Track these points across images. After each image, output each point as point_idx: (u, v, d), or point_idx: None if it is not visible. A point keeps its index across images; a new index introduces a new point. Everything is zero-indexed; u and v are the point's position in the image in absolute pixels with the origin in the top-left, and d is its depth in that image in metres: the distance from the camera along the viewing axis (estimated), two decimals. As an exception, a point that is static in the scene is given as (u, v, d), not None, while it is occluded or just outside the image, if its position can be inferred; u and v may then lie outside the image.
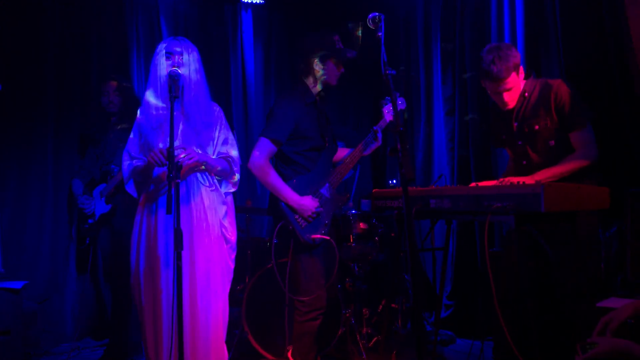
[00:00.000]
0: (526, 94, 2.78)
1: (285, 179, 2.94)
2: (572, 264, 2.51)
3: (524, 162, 2.82)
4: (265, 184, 2.92)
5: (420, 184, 4.71)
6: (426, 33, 4.82)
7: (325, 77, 3.03)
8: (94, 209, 3.77)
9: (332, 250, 3.04)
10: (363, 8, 4.96)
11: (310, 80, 3.05)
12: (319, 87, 3.05)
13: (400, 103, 3.17)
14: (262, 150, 2.90)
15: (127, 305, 3.73)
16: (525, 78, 2.81)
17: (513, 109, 2.81)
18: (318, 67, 3.00)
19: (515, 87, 2.75)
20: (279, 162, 3.03)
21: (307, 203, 2.90)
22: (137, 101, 3.95)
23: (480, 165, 4.21)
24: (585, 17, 3.34)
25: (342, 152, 3.21)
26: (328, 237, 2.97)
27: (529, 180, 2.49)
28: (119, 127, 3.85)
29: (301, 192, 2.93)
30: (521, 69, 2.75)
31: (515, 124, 2.82)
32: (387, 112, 3.16)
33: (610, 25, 3.17)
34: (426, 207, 2.57)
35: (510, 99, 2.77)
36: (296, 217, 2.90)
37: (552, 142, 2.70)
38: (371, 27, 2.24)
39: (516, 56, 2.70)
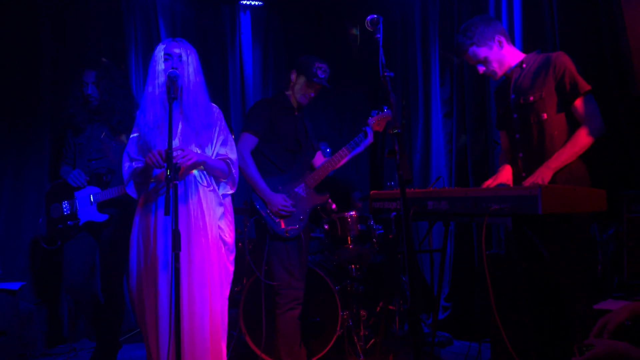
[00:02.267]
0: (524, 65, 2.78)
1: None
2: (569, 265, 2.51)
3: (517, 136, 2.78)
4: (245, 175, 3.20)
5: (418, 185, 4.71)
6: (424, 34, 4.83)
7: (295, 89, 3.36)
8: (79, 217, 3.42)
9: (306, 246, 3.33)
10: (360, 10, 5.01)
11: (290, 92, 3.39)
12: (296, 100, 3.38)
13: (386, 115, 3.50)
14: (244, 143, 3.22)
15: (118, 312, 3.56)
16: (528, 52, 2.85)
17: (511, 81, 2.81)
18: (293, 77, 3.37)
19: (491, 58, 2.80)
20: (256, 160, 3.28)
21: (277, 199, 3.19)
22: (123, 88, 3.62)
23: (478, 167, 4.22)
24: (582, 18, 3.35)
25: (321, 159, 3.51)
26: (297, 227, 3.22)
27: (543, 169, 2.51)
28: (109, 123, 3.50)
29: (273, 189, 3.22)
30: (500, 40, 2.78)
31: (512, 96, 2.80)
32: (371, 124, 3.47)
33: (607, 26, 3.18)
34: (424, 208, 2.58)
35: (489, 70, 2.83)
36: (268, 211, 3.18)
37: (545, 115, 2.65)
38: (369, 29, 2.24)
39: (484, 32, 2.76)
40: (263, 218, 3.18)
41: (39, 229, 3.55)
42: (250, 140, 3.23)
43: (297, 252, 3.25)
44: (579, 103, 2.59)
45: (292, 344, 3.19)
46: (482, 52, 2.79)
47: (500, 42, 2.79)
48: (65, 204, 3.45)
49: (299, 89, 3.35)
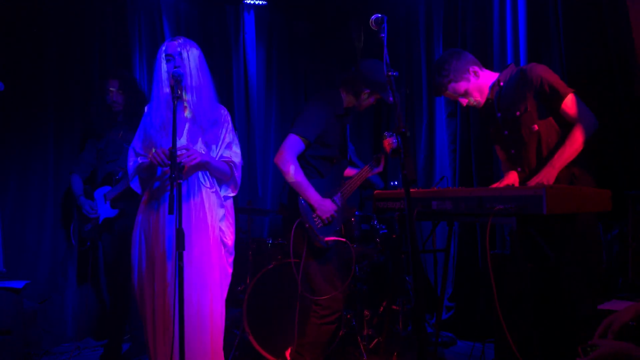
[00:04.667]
0: (501, 83, 2.80)
1: None
2: (574, 266, 2.50)
3: (513, 151, 2.80)
4: (290, 179, 2.95)
5: (422, 185, 4.71)
6: (428, 34, 4.82)
7: (363, 104, 3.14)
8: (97, 215, 3.71)
9: (347, 253, 3.10)
10: (364, 9, 5.00)
11: (348, 98, 3.13)
12: (351, 105, 3.15)
13: (395, 141, 3.29)
14: (291, 147, 2.94)
15: (126, 307, 3.72)
16: (532, 53, 2.85)
17: (493, 99, 2.82)
18: (364, 96, 3.10)
19: (471, 89, 2.82)
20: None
21: (328, 205, 2.97)
22: (143, 95, 3.92)
23: (482, 167, 4.21)
24: (587, 18, 3.34)
25: (349, 170, 3.34)
26: (344, 239, 3.02)
27: (548, 169, 2.50)
28: (124, 126, 3.78)
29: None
30: (475, 71, 2.81)
31: (498, 115, 2.81)
32: (388, 145, 3.27)
33: (612, 27, 3.18)
34: (428, 208, 2.57)
35: (472, 101, 2.85)
36: (314, 216, 2.95)
37: (536, 127, 2.66)
38: (374, 28, 2.24)
39: (457, 67, 2.79)
40: (308, 222, 2.93)
41: (69, 232, 3.90)
42: (299, 145, 2.96)
43: (337, 259, 3.07)
44: (565, 106, 2.59)
45: (320, 355, 3.06)
46: (461, 86, 2.82)
47: (475, 73, 2.82)
48: (94, 210, 3.75)
49: (366, 104, 3.16)
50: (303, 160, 3.03)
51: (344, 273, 3.13)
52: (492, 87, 2.83)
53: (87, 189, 3.81)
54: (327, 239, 2.95)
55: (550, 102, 2.61)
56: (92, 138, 3.93)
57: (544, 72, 2.63)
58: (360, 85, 3.08)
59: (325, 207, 2.95)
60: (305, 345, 3.01)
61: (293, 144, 2.94)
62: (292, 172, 2.91)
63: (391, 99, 3.07)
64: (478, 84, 2.83)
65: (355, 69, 3.11)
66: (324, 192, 3.02)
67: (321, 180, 3.05)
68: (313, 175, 3.04)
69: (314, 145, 3.02)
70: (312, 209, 2.94)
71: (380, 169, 3.32)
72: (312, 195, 2.93)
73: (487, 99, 2.86)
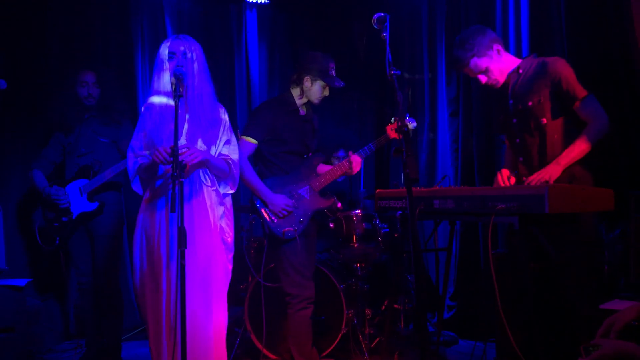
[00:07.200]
0: (520, 71, 2.78)
1: (262, 177, 3.20)
2: (576, 265, 2.50)
3: (517, 140, 2.79)
4: (243, 179, 3.15)
5: (423, 184, 4.70)
6: (430, 33, 4.82)
7: (310, 93, 3.27)
8: (69, 205, 3.47)
9: (313, 245, 3.28)
10: (367, 8, 5.00)
11: (297, 92, 3.29)
12: (304, 100, 3.30)
13: (410, 121, 3.41)
14: (241, 148, 3.11)
15: (118, 310, 3.62)
16: (534, 51, 2.82)
17: (509, 86, 2.80)
18: (307, 84, 3.25)
19: (492, 67, 2.79)
20: (259, 162, 3.27)
21: (278, 199, 3.15)
22: (118, 92, 3.76)
23: (484, 166, 4.21)
24: (590, 16, 3.34)
25: (325, 167, 3.43)
26: (295, 228, 3.16)
27: (553, 166, 2.50)
28: (97, 119, 3.60)
29: (275, 190, 3.18)
30: (498, 49, 2.77)
31: (510, 102, 2.80)
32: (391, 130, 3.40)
33: (616, 25, 3.17)
34: (430, 207, 2.57)
35: (491, 79, 2.82)
36: (267, 211, 3.15)
37: (544, 120, 2.65)
38: (376, 27, 2.24)
39: (482, 42, 2.75)
40: (261, 217, 3.16)
41: (38, 231, 3.54)
42: (248, 146, 3.17)
43: (305, 250, 3.20)
44: (580, 106, 2.58)
45: (304, 344, 3.17)
46: (483, 62, 2.78)
47: (498, 51, 2.79)
48: (63, 194, 3.49)
49: (314, 94, 3.26)
50: (264, 158, 3.24)
51: (312, 262, 3.31)
52: (511, 74, 2.80)
53: (57, 184, 3.54)
54: (284, 230, 3.13)
55: (565, 99, 2.60)
56: (59, 132, 3.65)
57: (564, 69, 2.62)
58: (300, 74, 3.25)
59: (274, 201, 3.14)
60: (290, 340, 3.19)
61: (242, 145, 3.14)
62: (242, 172, 3.07)
63: (336, 83, 3.24)
64: (500, 62, 2.79)
65: (296, 66, 3.35)
66: (284, 188, 3.20)
67: (284, 176, 3.23)
68: (276, 172, 3.24)
69: (269, 142, 3.21)
70: (264, 204, 3.15)
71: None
72: (262, 190, 3.15)
73: (504, 84, 2.83)
